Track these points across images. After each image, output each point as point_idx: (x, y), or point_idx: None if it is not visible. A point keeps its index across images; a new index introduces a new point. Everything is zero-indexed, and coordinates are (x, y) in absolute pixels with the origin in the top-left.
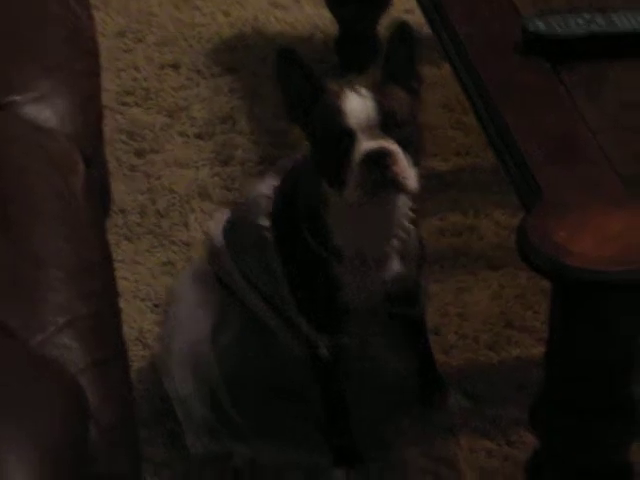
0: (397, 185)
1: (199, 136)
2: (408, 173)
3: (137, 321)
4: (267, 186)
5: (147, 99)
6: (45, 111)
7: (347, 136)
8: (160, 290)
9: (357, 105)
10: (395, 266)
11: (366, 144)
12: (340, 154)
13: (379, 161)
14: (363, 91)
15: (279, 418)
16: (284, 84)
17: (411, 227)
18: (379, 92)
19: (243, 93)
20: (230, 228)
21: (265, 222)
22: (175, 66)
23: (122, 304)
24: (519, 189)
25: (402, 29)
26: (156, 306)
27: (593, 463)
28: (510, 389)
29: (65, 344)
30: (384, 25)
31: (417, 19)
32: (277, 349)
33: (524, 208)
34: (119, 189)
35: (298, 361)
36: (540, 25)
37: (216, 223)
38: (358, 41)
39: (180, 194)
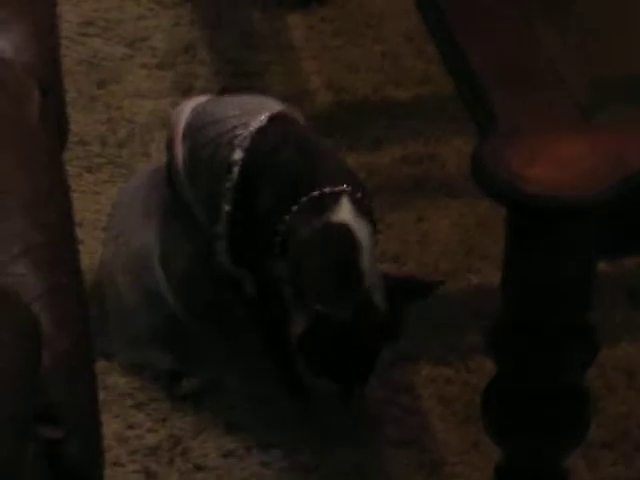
0: None
1: (160, 66)
2: None
3: (97, 251)
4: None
5: (108, 30)
6: (0, 40)
7: None
8: None
9: None
10: None
11: None
12: None
13: None
14: None
15: (228, 340)
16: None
17: None
18: None
19: (204, 23)
20: (190, 136)
21: (238, 156)
22: None
23: (82, 234)
24: (476, 116)
25: None
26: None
27: (548, 387)
28: (469, 316)
29: (20, 272)
30: None
31: None
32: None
33: (480, 135)
34: (79, 120)
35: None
36: None
37: (181, 116)
38: None
39: (141, 124)
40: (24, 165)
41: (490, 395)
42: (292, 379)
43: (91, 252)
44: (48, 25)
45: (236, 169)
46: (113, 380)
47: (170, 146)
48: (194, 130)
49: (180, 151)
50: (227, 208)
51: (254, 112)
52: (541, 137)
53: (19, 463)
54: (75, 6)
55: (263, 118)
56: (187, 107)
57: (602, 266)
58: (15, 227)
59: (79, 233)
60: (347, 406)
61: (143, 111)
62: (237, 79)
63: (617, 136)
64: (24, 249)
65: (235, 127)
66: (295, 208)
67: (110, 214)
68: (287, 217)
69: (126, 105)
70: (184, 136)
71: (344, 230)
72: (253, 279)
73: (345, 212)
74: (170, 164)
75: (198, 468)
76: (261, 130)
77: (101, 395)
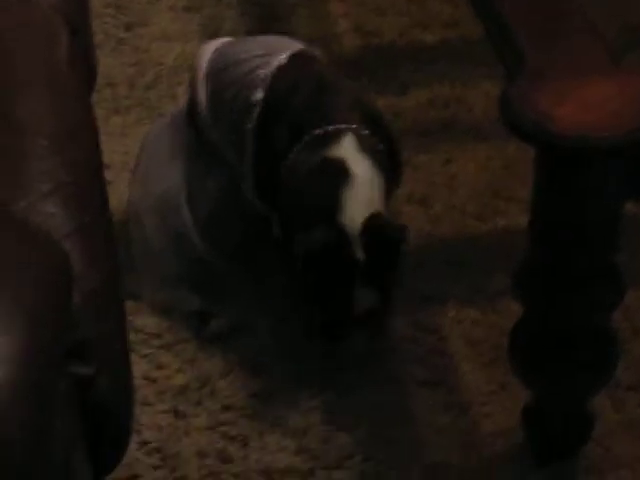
0: None
1: (187, 9)
2: None
3: (125, 193)
4: (278, 58)
5: None
6: None
7: None
8: None
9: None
10: None
11: None
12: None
13: None
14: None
15: (258, 270)
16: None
17: None
18: None
19: None
20: (216, 72)
21: (259, 96)
22: None
23: (110, 176)
24: (504, 59)
25: None
26: None
27: (575, 328)
28: (497, 258)
29: (49, 211)
30: None
31: None
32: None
33: (509, 77)
34: (107, 62)
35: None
36: None
37: (203, 58)
38: None
39: (168, 67)
40: (53, 105)
41: (517, 336)
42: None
43: (119, 193)
44: None
45: (257, 109)
46: (141, 321)
47: (192, 87)
48: (216, 71)
49: (203, 92)
50: (250, 148)
51: (276, 52)
52: (569, 79)
53: (51, 397)
54: None
55: (284, 57)
56: (209, 49)
57: (629, 207)
58: (44, 166)
59: (107, 175)
60: (333, 347)
61: (170, 54)
62: (264, 22)
63: None
64: (53, 188)
65: (257, 67)
66: (299, 146)
67: (137, 156)
68: (291, 155)
69: (153, 48)
70: (206, 77)
71: (338, 165)
72: (277, 218)
73: (345, 149)
74: (192, 105)
75: (226, 408)
76: (281, 69)
77: (130, 336)
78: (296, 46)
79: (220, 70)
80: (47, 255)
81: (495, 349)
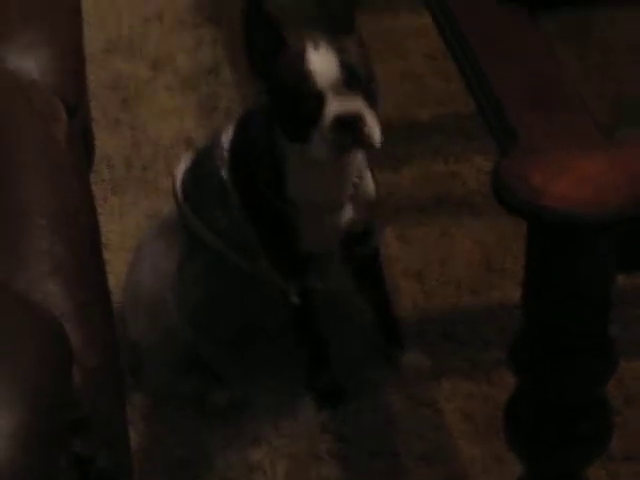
0: (365, 144)
1: (183, 87)
2: (375, 130)
3: (124, 272)
4: (227, 136)
5: (131, 51)
6: (27, 62)
7: (315, 97)
8: None
9: (322, 64)
10: (349, 212)
11: (335, 105)
12: (307, 114)
13: (349, 124)
14: (324, 48)
15: (254, 358)
16: (248, 36)
17: (365, 171)
18: (339, 48)
19: (226, 43)
20: (191, 179)
21: (225, 173)
22: (158, 18)
23: (108, 256)
24: (496, 134)
25: None
26: None
27: (570, 401)
28: (491, 332)
29: (49, 289)
30: None
31: None
32: (247, 289)
33: (501, 153)
34: (105, 141)
35: (272, 302)
36: None
37: (178, 175)
38: None
39: (165, 145)
40: (52, 184)
41: (512, 409)
42: (324, 383)
43: (117, 272)
44: (74, 47)
45: (228, 184)
46: (140, 396)
47: (173, 188)
48: (191, 168)
49: (180, 191)
50: (234, 199)
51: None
52: (561, 153)
53: (52, 475)
54: (99, 28)
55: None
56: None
57: (621, 279)
58: (43, 245)
59: (105, 254)
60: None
61: (167, 131)
62: (259, 100)
63: (637, 153)
64: (53, 267)
65: (214, 149)
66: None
67: (132, 258)
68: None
69: (150, 126)
70: (183, 180)
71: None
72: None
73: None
74: (177, 205)
75: None
76: (232, 141)
77: (128, 410)
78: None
79: (190, 169)
80: (47, 333)
81: (490, 422)
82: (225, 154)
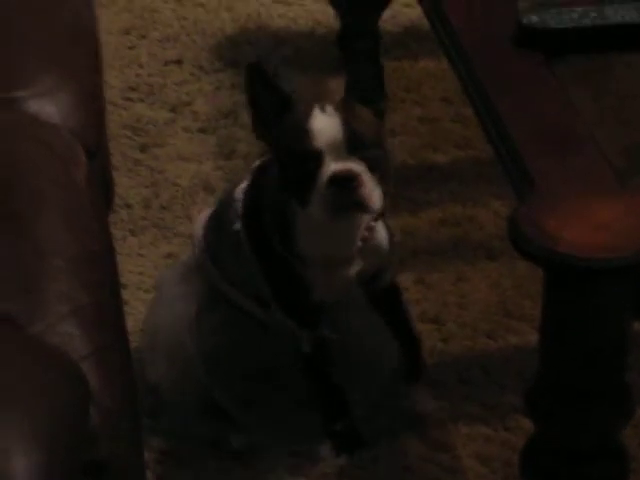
0: (361, 206)
1: (202, 130)
2: (373, 194)
3: (141, 312)
4: (242, 188)
5: (151, 94)
6: (48, 106)
7: (314, 156)
8: None
9: (324, 125)
10: (359, 264)
11: (333, 165)
12: (306, 174)
13: (345, 183)
14: (330, 110)
15: (270, 405)
16: (252, 99)
17: (376, 224)
18: (346, 112)
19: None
20: (210, 228)
21: (238, 223)
22: (178, 62)
23: (127, 296)
24: (513, 180)
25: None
26: None
27: (586, 446)
28: (508, 376)
29: (67, 332)
30: (385, 19)
31: (416, 13)
32: (264, 338)
33: (518, 198)
34: (124, 183)
35: (287, 351)
36: (534, 18)
37: (199, 224)
38: (359, 36)
39: (183, 188)
40: (71, 227)
41: (529, 454)
42: (341, 429)
43: (135, 313)
44: (93, 91)
45: (241, 234)
46: (157, 439)
47: (192, 242)
48: (211, 217)
49: (200, 240)
50: (247, 250)
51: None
52: (576, 200)
53: None
54: (119, 72)
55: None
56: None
57: (638, 326)
58: (63, 287)
59: (123, 294)
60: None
61: (186, 174)
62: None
63: None
64: (72, 309)
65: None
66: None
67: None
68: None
69: (169, 169)
70: (204, 229)
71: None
72: (308, 334)
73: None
74: (197, 257)
75: None
76: (246, 193)
77: (145, 454)
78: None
79: (210, 219)
80: (64, 376)
81: (507, 466)
82: (239, 205)
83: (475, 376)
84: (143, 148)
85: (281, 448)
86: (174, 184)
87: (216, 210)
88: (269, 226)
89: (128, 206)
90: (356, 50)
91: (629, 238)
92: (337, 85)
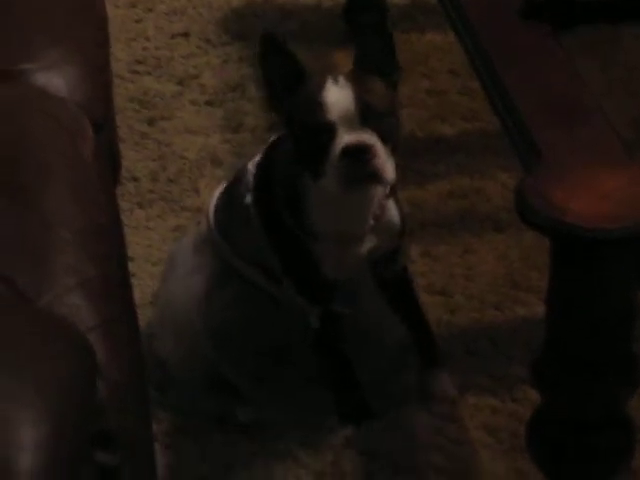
0: (375, 178)
1: (209, 103)
2: (386, 166)
3: (149, 285)
4: (254, 162)
5: (158, 68)
6: (55, 79)
7: (327, 129)
8: None
9: (337, 97)
10: (372, 241)
11: (346, 137)
12: (319, 146)
13: (358, 155)
14: (342, 82)
15: (278, 379)
16: (266, 69)
17: (388, 201)
18: (358, 83)
19: (252, 61)
20: (220, 206)
21: (249, 197)
22: (185, 35)
23: (134, 269)
24: (520, 152)
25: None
26: None
27: (593, 417)
28: (515, 347)
29: (74, 303)
30: None
31: None
32: (276, 314)
33: (525, 170)
34: (131, 156)
35: (297, 324)
36: None
37: (212, 199)
38: (365, 9)
39: (191, 161)
40: (78, 199)
41: (536, 425)
42: (349, 403)
43: (143, 286)
44: (100, 64)
45: (252, 211)
46: (165, 412)
47: (206, 216)
48: (223, 193)
49: (212, 216)
50: (265, 243)
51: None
52: (583, 170)
53: None
54: (126, 45)
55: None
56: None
57: None
58: (70, 260)
59: (131, 267)
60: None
61: (193, 147)
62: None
63: None
64: (79, 281)
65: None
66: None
67: (163, 272)
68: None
69: (176, 142)
70: (216, 205)
71: None
72: (318, 309)
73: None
74: (208, 231)
75: None
76: (257, 165)
77: (154, 426)
78: None
79: (222, 195)
80: (72, 347)
81: (514, 437)
82: (250, 178)
83: (482, 348)
84: (150, 121)
85: (287, 421)
86: (181, 157)
87: (228, 185)
88: (280, 201)
89: (135, 179)
90: (362, 23)
91: (636, 209)
92: (345, 58)
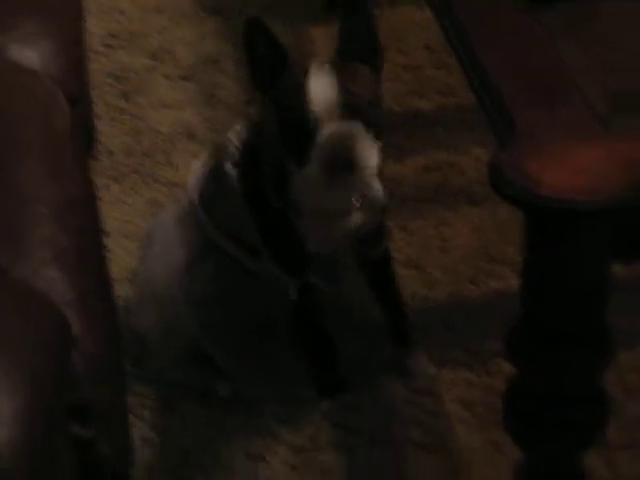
0: (358, 166)
1: (184, 78)
2: (369, 154)
3: (125, 259)
4: (236, 134)
5: (132, 42)
6: (29, 53)
7: (311, 118)
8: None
9: (321, 86)
10: (356, 218)
11: (329, 126)
12: (303, 134)
13: (342, 143)
14: (327, 70)
15: (258, 354)
16: (251, 54)
17: (372, 180)
18: (342, 71)
19: (227, 35)
20: (202, 179)
21: (233, 171)
22: (159, 9)
23: (110, 243)
24: (496, 126)
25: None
26: None
27: (568, 390)
28: (490, 321)
29: (50, 276)
30: None
31: None
32: (255, 288)
33: (500, 144)
34: (106, 131)
35: (276, 298)
36: None
37: (193, 172)
38: None
39: (165, 134)
40: (53, 173)
41: (510, 397)
42: (326, 376)
43: (119, 261)
44: (75, 38)
45: (234, 182)
46: (142, 385)
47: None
48: (205, 168)
49: (195, 191)
50: (246, 215)
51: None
52: (557, 143)
53: (52, 458)
54: (100, 19)
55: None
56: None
57: (620, 270)
58: (45, 233)
59: (106, 242)
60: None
61: (167, 121)
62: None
63: (633, 143)
64: (55, 254)
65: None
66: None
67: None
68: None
69: (150, 116)
70: (198, 180)
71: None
72: (296, 282)
73: None
74: (190, 205)
75: (226, 470)
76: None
77: (131, 400)
78: None
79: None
80: (47, 319)
81: (489, 410)
82: (234, 151)
83: (458, 322)
84: (125, 95)
85: (267, 396)
86: (156, 131)
87: (209, 158)
88: (267, 179)
89: (111, 153)
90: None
91: (609, 181)
92: (323, 35)
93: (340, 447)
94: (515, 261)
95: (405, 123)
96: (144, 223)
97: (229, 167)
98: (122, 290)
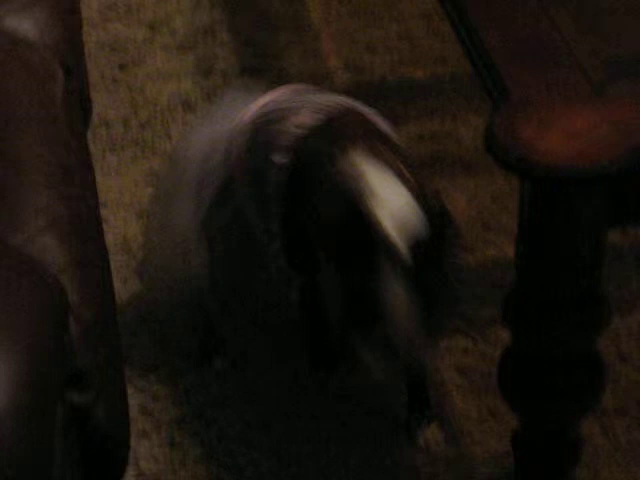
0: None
1: (181, 48)
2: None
3: (121, 230)
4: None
5: (128, 13)
6: (25, 23)
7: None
8: (143, 199)
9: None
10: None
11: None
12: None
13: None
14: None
15: (258, 322)
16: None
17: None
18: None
19: (224, 5)
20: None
21: (281, 159)
22: None
23: (107, 213)
24: (491, 93)
25: None
26: (139, 215)
27: (563, 355)
28: (486, 288)
29: (46, 244)
30: None
31: None
32: (260, 259)
33: (494, 110)
34: (103, 102)
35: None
36: None
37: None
38: None
39: (162, 105)
40: (49, 142)
41: (507, 364)
42: (320, 350)
43: (115, 231)
44: (70, 7)
45: (282, 174)
46: (137, 354)
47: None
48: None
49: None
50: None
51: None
52: (552, 109)
53: (50, 424)
54: None
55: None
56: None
57: (615, 236)
58: (41, 201)
59: (103, 212)
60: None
61: (164, 92)
62: (257, 60)
63: (627, 108)
64: (50, 222)
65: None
66: None
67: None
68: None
69: (147, 87)
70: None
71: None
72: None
73: None
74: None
75: (222, 439)
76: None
77: (126, 369)
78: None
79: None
80: (43, 287)
81: (486, 377)
82: (287, 138)
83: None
84: (122, 66)
85: (261, 364)
86: (153, 102)
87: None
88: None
89: (107, 124)
90: None
91: (604, 146)
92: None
93: (336, 416)
94: (511, 229)
95: (400, 92)
96: (140, 193)
97: (276, 154)
98: (118, 261)
